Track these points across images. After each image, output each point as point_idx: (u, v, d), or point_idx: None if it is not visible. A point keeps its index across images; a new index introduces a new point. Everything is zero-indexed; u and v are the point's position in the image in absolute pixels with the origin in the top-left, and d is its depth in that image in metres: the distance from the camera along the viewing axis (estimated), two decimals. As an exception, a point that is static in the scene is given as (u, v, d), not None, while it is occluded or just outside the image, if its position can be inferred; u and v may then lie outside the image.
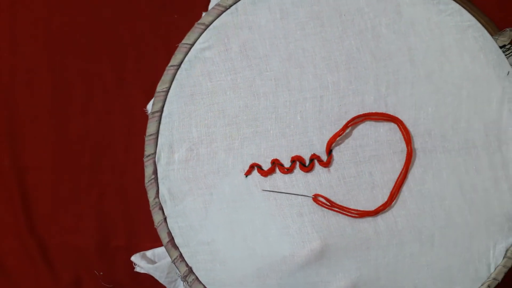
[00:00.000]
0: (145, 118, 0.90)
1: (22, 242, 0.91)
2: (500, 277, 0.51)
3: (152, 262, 0.75)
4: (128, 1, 0.97)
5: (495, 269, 0.51)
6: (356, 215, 0.50)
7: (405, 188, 0.51)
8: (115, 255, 0.89)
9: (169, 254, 0.52)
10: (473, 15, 0.51)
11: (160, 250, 0.78)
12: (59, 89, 0.95)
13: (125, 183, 0.92)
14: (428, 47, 0.51)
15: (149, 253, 0.77)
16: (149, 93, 0.89)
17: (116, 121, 0.94)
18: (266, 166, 0.51)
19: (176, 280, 0.75)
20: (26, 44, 0.96)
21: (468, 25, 0.51)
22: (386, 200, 0.50)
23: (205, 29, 0.51)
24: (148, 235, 0.89)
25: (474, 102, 0.51)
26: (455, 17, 0.51)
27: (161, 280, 0.74)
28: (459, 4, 0.51)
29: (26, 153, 0.94)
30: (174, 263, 0.52)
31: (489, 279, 0.51)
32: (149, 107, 0.63)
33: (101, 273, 0.89)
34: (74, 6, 0.97)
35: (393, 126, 0.51)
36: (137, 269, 0.75)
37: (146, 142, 0.52)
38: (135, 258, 0.74)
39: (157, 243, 0.79)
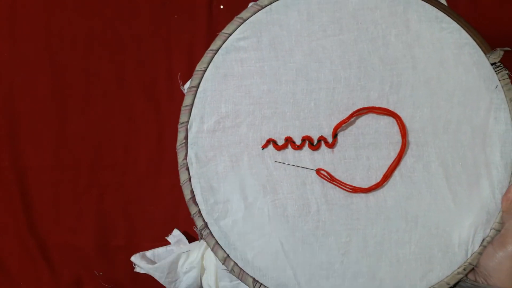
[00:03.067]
0: (144, 118, 0.93)
1: (22, 242, 0.91)
2: (474, 262, 0.58)
3: (152, 262, 0.79)
4: (128, 1, 0.97)
5: (471, 255, 0.58)
6: (350, 190, 0.59)
7: (397, 173, 0.59)
8: (115, 255, 0.90)
9: (189, 209, 0.61)
10: (470, 35, 0.60)
11: (160, 250, 0.82)
12: (59, 89, 0.95)
13: (125, 183, 0.92)
14: (429, 58, 0.60)
15: (149, 253, 0.81)
16: (149, 93, 0.93)
17: (116, 121, 0.94)
18: (280, 142, 0.60)
19: (176, 280, 0.78)
20: (26, 44, 0.97)
21: (465, 42, 0.60)
22: (379, 181, 0.58)
23: (242, 23, 0.61)
24: (148, 235, 0.90)
25: (464, 108, 0.59)
26: (454, 34, 0.60)
27: (161, 281, 0.78)
28: (459, 24, 0.60)
29: (26, 153, 0.94)
30: (192, 217, 0.61)
31: (465, 263, 0.58)
32: (186, 85, 0.72)
33: (101, 273, 0.90)
34: (74, 6, 0.97)
35: (392, 120, 0.59)
36: (137, 270, 0.79)
37: (182, 112, 0.61)
38: (135, 259, 0.78)
39: (157, 243, 0.84)
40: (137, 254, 0.79)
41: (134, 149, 0.93)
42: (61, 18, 0.97)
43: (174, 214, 0.90)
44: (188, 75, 0.92)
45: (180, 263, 0.77)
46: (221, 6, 0.97)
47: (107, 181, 0.92)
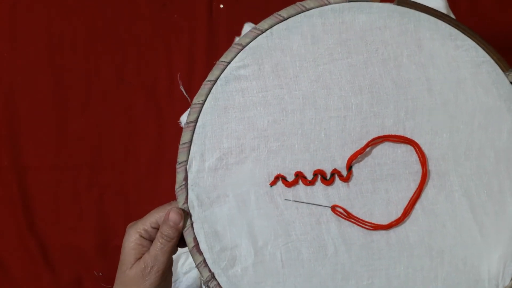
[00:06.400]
0: (145, 118, 0.94)
1: (22, 242, 0.91)
2: (506, 298, 0.54)
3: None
4: (128, 1, 0.98)
5: None
6: (369, 228, 0.54)
7: (418, 206, 0.54)
8: (115, 255, 0.85)
9: (193, 259, 0.55)
10: (487, 52, 0.55)
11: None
12: (59, 89, 0.95)
13: (125, 183, 0.92)
14: (445, 79, 0.55)
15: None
16: (149, 93, 0.94)
17: (116, 121, 0.94)
18: (290, 177, 0.54)
19: (176, 280, 0.77)
20: (26, 44, 0.97)
21: (482, 60, 0.55)
22: (399, 215, 0.54)
23: (241, 49, 0.56)
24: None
25: (485, 132, 0.55)
26: (470, 52, 0.55)
27: (160, 281, 0.76)
28: (474, 41, 0.56)
29: (26, 153, 0.94)
30: (197, 268, 0.55)
31: None
32: (182, 119, 0.67)
33: (101, 273, 0.89)
34: (75, 6, 0.98)
35: (410, 148, 0.55)
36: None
37: (180, 150, 0.55)
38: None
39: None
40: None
41: (134, 149, 0.94)
42: (62, 18, 0.98)
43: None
44: (188, 75, 0.94)
45: (180, 263, 0.76)
46: (221, 6, 0.97)
47: (107, 181, 0.93)
